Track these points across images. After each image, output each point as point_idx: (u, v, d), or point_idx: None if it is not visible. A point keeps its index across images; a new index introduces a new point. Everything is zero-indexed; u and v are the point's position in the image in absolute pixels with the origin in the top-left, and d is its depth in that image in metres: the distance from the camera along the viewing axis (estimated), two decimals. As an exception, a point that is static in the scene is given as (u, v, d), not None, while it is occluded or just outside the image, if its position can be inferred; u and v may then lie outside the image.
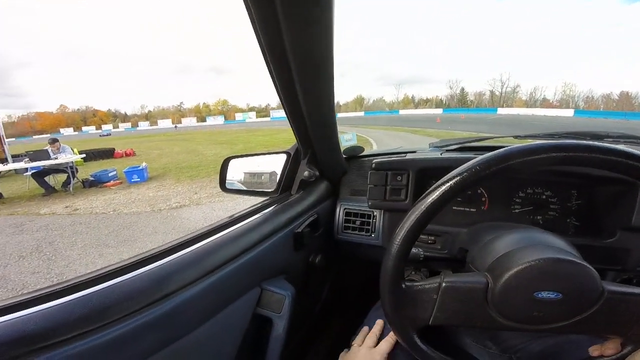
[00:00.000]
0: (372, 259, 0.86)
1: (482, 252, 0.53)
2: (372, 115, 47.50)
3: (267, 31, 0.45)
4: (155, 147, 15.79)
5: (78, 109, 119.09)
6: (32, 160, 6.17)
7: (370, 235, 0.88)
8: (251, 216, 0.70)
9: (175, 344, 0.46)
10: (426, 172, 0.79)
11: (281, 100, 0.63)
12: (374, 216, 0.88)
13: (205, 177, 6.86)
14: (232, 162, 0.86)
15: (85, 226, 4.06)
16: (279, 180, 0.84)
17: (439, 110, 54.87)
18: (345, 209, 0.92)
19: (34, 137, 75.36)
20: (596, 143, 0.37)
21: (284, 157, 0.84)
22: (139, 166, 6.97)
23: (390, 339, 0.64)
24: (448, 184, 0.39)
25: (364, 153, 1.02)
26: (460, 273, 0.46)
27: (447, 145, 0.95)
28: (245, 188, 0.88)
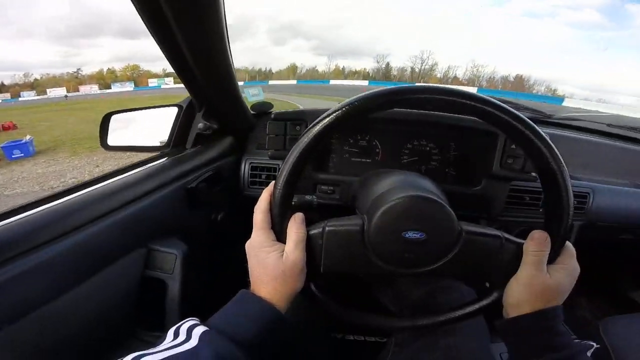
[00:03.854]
0: None
1: (364, 196, 0.56)
2: (304, 84, 46.80)
3: None
4: (43, 118, 13.31)
5: None
6: None
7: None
8: (133, 169, 0.65)
9: (45, 307, 0.43)
10: None
11: (161, 49, 0.59)
12: (279, 168, 0.86)
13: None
14: (115, 118, 0.77)
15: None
16: (170, 133, 0.80)
17: (366, 82, 56.59)
18: (250, 163, 0.91)
19: None
20: (459, 88, 0.38)
21: (175, 110, 0.80)
22: (21, 140, 5.77)
23: (294, 233, 0.43)
24: (318, 126, 0.38)
25: (277, 110, 1.01)
26: (343, 217, 0.45)
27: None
28: (131, 144, 0.81)
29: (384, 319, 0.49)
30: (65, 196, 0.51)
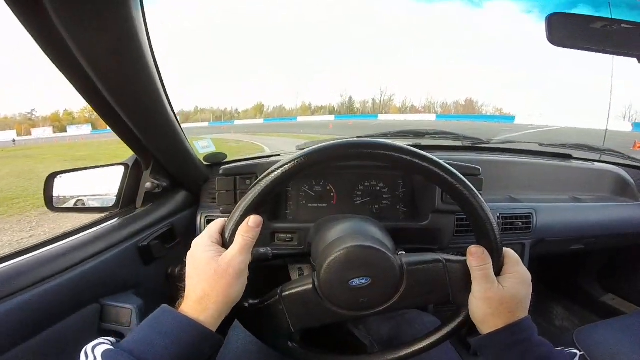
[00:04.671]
0: None
1: (317, 244, 0.58)
2: (271, 122, 47.28)
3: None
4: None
5: None
6: None
7: None
8: (82, 232, 0.66)
9: None
10: None
11: (92, 107, 0.58)
12: None
13: (36, 208, 4.92)
14: (59, 179, 0.78)
15: None
16: (118, 193, 0.80)
17: (332, 117, 57.30)
18: (206, 216, 0.91)
19: None
20: (367, 140, 0.41)
21: (122, 169, 0.80)
22: None
23: (241, 237, 0.40)
24: (256, 188, 0.40)
25: (230, 159, 1.01)
26: (295, 280, 0.48)
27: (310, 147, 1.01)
28: (78, 206, 0.81)
29: (356, 358, 0.50)
30: (10, 259, 0.53)
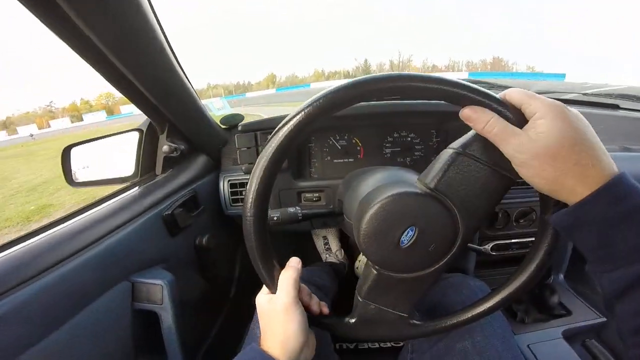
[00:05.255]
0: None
1: (350, 200, 0.54)
2: (283, 92, 44.60)
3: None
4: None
5: None
6: None
7: None
8: (102, 203, 0.64)
9: (32, 349, 0.43)
10: None
11: (100, 73, 0.55)
12: None
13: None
14: (75, 151, 0.73)
15: None
16: (136, 160, 0.77)
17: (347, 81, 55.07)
18: (229, 180, 0.87)
19: None
20: (421, 74, 0.34)
21: (136, 135, 0.77)
22: None
23: (286, 282, 0.40)
24: (281, 132, 0.35)
25: (246, 121, 0.95)
26: (360, 279, 0.44)
27: None
28: (97, 178, 0.76)
29: (404, 328, 0.44)
30: (29, 239, 0.51)
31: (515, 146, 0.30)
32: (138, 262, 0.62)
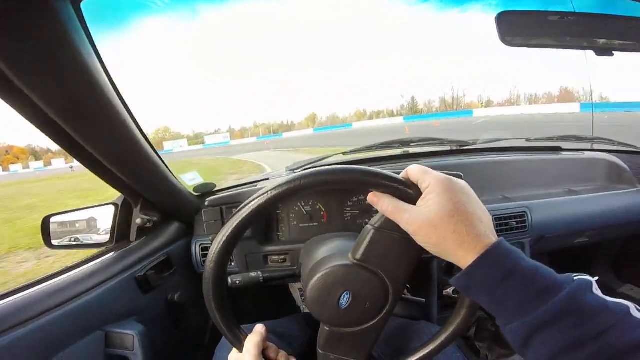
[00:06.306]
0: None
1: (305, 268, 0.60)
2: (322, 132, 39.82)
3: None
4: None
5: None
6: None
7: (230, 264, 0.89)
8: (81, 266, 0.72)
9: None
10: None
11: (73, 156, 0.61)
12: None
13: None
14: (54, 220, 0.84)
15: None
16: (111, 230, 0.85)
17: (400, 119, 41.58)
18: (200, 244, 0.96)
19: None
20: (329, 168, 0.40)
21: (112, 209, 0.85)
22: None
23: (251, 346, 0.48)
24: (241, 213, 0.42)
25: (218, 188, 1.03)
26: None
27: (301, 167, 1.03)
28: (75, 243, 0.86)
29: None
30: (18, 293, 0.59)
31: (406, 220, 0.37)
32: (112, 315, 0.69)
